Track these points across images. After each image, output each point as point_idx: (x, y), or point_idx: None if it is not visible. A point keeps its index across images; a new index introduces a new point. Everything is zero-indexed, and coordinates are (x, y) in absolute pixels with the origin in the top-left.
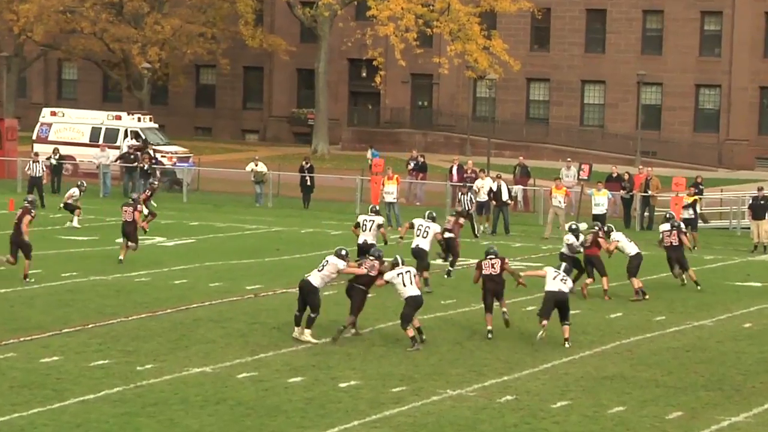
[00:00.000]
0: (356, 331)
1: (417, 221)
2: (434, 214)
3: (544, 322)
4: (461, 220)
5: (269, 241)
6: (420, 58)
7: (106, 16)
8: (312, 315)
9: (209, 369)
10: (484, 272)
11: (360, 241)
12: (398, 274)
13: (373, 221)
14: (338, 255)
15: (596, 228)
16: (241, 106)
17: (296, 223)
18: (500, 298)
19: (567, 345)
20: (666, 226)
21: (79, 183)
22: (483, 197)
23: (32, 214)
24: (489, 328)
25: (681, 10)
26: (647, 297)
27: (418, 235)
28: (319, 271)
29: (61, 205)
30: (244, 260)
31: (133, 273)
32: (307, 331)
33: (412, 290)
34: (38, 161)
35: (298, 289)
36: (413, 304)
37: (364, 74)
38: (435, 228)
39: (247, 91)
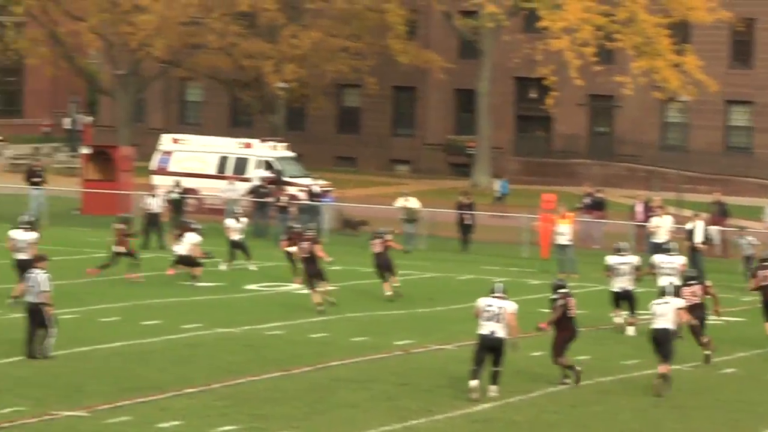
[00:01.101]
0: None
1: (658, 258)
2: (671, 245)
3: None
4: None
5: (421, 289)
6: (599, 76)
7: (235, 28)
8: (498, 369)
9: None
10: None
11: (616, 288)
12: (661, 303)
13: (628, 263)
14: (502, 293)
15: None
16: (389, 133)
17: (453, 268)
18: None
19: None
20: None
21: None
22: (662, 238)
23: (319, 242)
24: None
25: None
26: None
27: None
28: (497, 321)
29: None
30: (393, 311)
31: (264, 325)
32: (494, 387)
33: (659, 322)
34: (157, 195)
35: (481, 346)
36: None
37: (533, 95)
38: (680, 260)
39: (397, 115)
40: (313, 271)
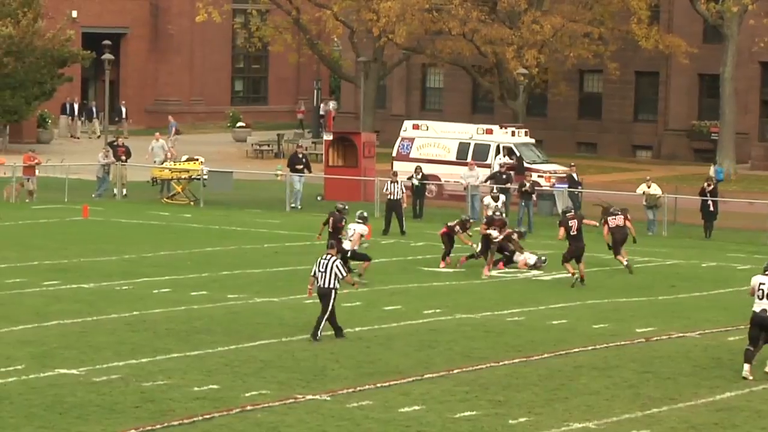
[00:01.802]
0: None
1: None
2: None
3: None
4: None
5: (663, 277)
6: None
7: (477, 14)
8: None
9: (592, 425)
10: None
11: None
12: None
13: None
14: None
15: None
16: (631, 118)
17: (695, 255)
18: None
19: None
20: None
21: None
22: None
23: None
24: None
25: None
26: None
27: None
28: None
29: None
30: (633, 298)
31: (504, 311)
32: None
33: None
34: (397, 181)
35: (753, 324)
36: None
37: None
38: None
39: (639, 101)
40: (579, 250)
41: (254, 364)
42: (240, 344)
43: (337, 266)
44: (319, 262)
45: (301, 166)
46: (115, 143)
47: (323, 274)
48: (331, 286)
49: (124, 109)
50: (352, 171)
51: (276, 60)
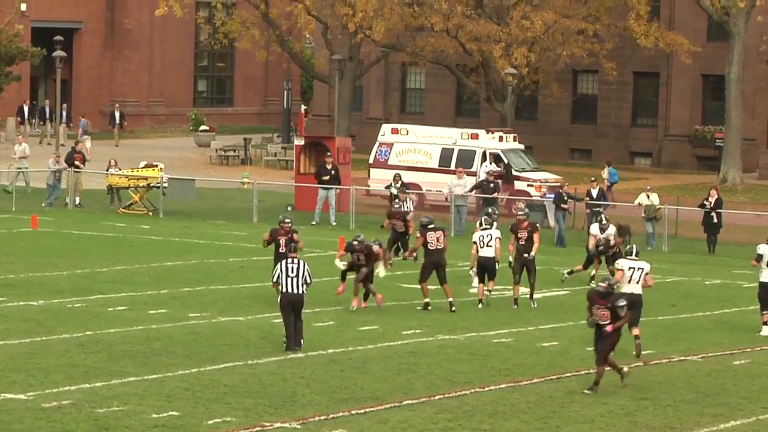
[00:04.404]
0: None
1: None
2: None
3: None
4: None
5: (663, 294)
6: None
7: (462, 9)
8: None
9: None
10: None
11: None
12: None
13: None
14: None
15: None
16: (629, 122)
17: (698, 271)
18: None
19: None
20: None
21: None
22: None
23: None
24: None
25: None
26: None
27: None
28: None
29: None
30: None
31: (490, 332)
32: None
33: None
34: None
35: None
36: None
37: None
38: None
39: (638, 103)
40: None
41: (218, 389)
42: (202, 367)
43: (308, 270)
44: (287, 267)
45: (328, 177)
46: (73, 148)
47: (294, 279)
48: (304, 291)
49: (117, 114)
50: None
51: (243, 58)
